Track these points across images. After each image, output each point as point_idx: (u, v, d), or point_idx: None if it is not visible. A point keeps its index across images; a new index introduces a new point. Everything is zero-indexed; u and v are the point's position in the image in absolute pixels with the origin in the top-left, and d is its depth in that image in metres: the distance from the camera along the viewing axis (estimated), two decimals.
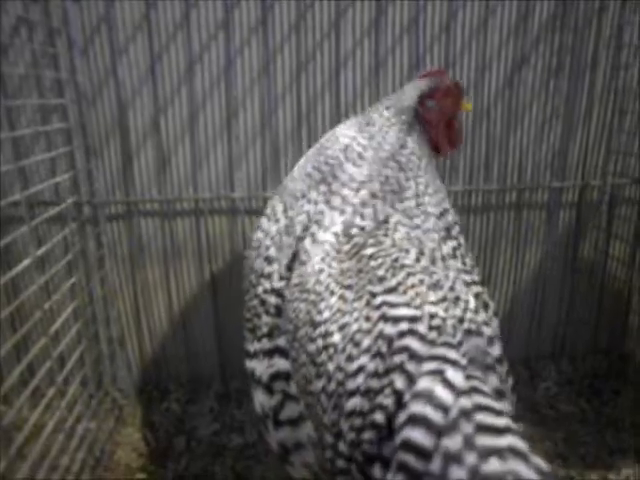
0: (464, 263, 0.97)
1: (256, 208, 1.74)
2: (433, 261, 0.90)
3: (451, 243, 1.00)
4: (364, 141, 1.10)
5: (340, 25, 1.60)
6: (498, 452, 0.56)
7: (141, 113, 1.62)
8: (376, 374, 0.72)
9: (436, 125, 1.19)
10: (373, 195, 1.02)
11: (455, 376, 0.64)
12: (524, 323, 1.95)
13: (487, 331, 0.81)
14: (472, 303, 0.83)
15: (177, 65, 1.59)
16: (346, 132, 1.13)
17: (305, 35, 1.61)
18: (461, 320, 0.78)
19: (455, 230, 1.06)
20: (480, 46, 1.65)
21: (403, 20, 1.62)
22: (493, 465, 0.55)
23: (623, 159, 1.80)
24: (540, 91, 1.71)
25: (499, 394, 0.73)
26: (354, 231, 0.98)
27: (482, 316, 0.83)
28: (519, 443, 0.57)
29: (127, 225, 1.72)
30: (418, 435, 0.61)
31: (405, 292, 0.80)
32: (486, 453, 0.56)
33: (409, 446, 0.61)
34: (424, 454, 0.59)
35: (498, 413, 0.60)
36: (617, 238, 1.88)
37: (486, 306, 0.89)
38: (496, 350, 0.81)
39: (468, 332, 0.77)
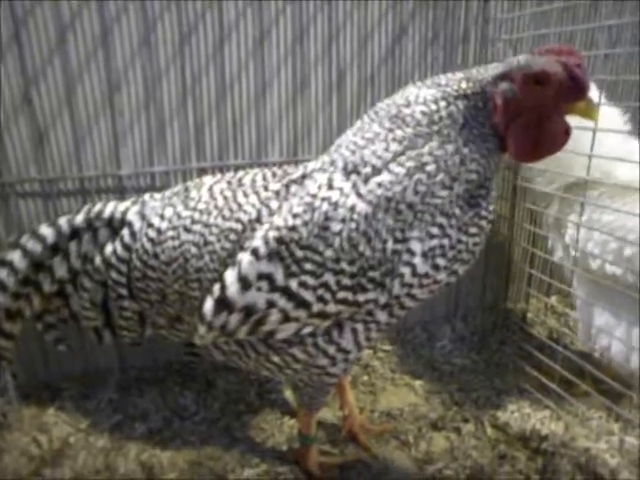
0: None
1: (144, 185, 1.67)
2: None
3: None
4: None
5: None
6: None
7: (7, 83, 1.48)
8: None
9: (502, 115, 1.03)
10: None
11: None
12: None
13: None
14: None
15: (46, 32, 1.47)
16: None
17: (186, 5, 1.56)
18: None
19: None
20: (362, 16, 1.70)
21: None
22: None
23: None
24: (420, 61, 1.80)
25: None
26: None
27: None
28: None
29: (2, 208, 1.58)
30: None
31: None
32: None
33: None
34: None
35: None
36: (502, 199, 1.95)
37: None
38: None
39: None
